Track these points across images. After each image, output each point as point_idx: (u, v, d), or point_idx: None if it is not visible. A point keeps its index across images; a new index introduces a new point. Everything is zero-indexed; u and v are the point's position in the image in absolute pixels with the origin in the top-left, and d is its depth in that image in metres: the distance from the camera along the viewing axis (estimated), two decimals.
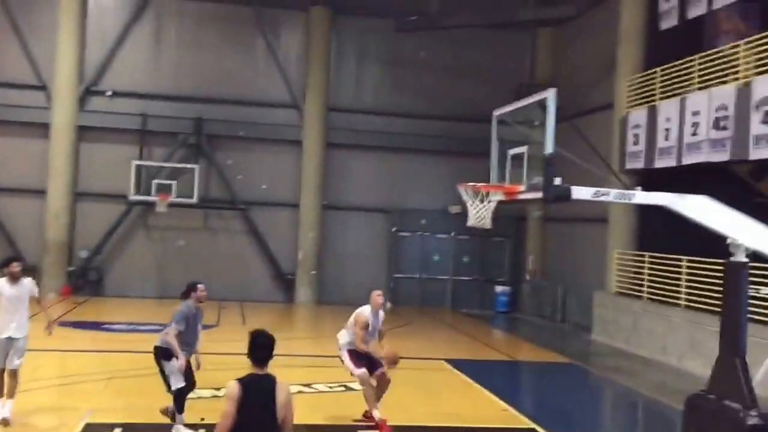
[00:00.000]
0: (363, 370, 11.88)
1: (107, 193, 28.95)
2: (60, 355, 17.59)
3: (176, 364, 10.99)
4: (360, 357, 12.02)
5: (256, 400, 6.25)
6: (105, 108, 29.26)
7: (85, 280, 29.01)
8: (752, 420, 9.06)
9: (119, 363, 16.42)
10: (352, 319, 12.35)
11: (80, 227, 29.14)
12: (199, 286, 11.59)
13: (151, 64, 29.86)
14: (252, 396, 6.26)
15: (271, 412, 6.24)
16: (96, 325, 22.08)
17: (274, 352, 6.56)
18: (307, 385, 14.74)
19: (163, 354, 11.19)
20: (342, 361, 12.26)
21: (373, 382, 12.02)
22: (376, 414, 11.92)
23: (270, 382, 6.35)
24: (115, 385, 14.58)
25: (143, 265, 29.52)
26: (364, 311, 12.34)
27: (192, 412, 12.53)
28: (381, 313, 12.56)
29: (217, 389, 14.11)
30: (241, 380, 6.37)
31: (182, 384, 11.08)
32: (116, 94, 29.33)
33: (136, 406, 12.90)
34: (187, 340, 11.26)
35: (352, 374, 12.14)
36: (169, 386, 11.24)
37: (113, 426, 11.46)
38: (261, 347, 6.43)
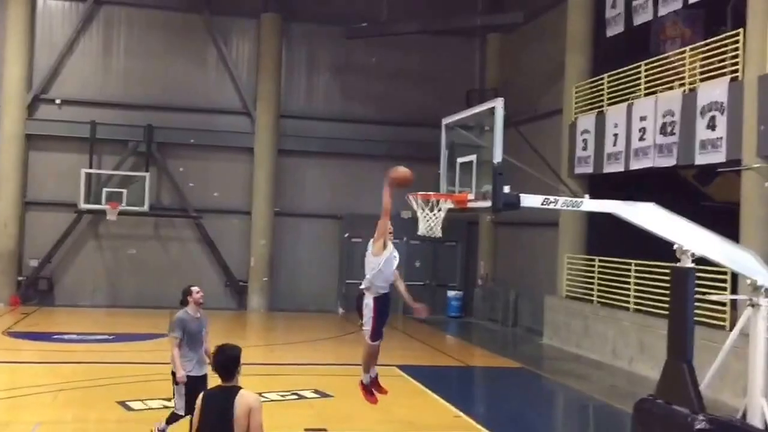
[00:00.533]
0: (378, 344, 10.73)
1: (57, 201, 28.55)
2: (8, 367, 17.40)
3: (182, 387, 10.61)
4: (382, 320, 10.68)
5: (214, 411, 6.45)
6: (54, 116, 28.88)
7: (35, 289, 28.62)
8: (699, 424, 9.19)
9: (69, 374, 16.21)
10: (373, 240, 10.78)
11: (29, 236, 28.74)
12: (193, 289, 11.05)
13: (100, 71, 29.54)
14: (210, 407, 6.49)
15: (227, 423, 6.34)
16: (46, 336, 21.77)
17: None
18: (259, 394, 14.62)
19: (174, 375, 10.79)
20: (362, 313, 10.87)
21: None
22: (366, 378, 11.17)
23: (230, 394, 6.44)
24: (65, 396, 14.39)
25: (94, 274, 29.20)
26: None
27: (142, 424, 12.47)
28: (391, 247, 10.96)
29: (168, 399, 14.03)
30: (205, 391, 6.82)
31: (181, 411, 10.65)
32: (65, 102, 28.99)
33: (85, 419, 12.78)
34: (192, 348, 10.77)
35: (362, 328, 10.84)
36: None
37: None
38: (221, 362, 6.61)
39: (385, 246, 10.60)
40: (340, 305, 29.93)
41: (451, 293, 30.22)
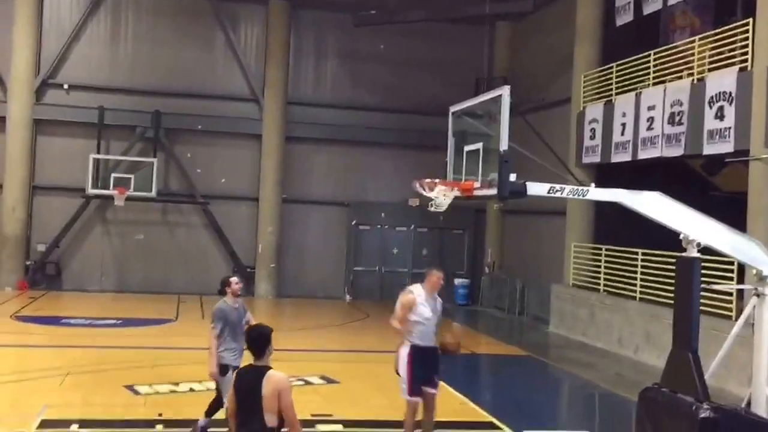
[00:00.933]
0: (417, 400, 10.21)
1: (64, 186, 28.66)
2: (16, 351, 17.50)
3: (229, 379, 9.88)
4: (419, 374, 10.20)
5: (244, 390, 6.67)
6: (62, 101, 28.95)
7: (43, 274, 28.73)
8: (704, 413, 9.18)
9: (76, 358, 16.30)
10: (398, 302, 10.48)
11: (37, 221, 28.84)
12: (231, 279, 11.01)
13: (108, 57, 29.57)
14: (241, 385, 6.72)
15: (256, 400, 6.54)
16: (53, 320, 21.82)
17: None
18: None
19: (221, 369, 10.49)
20: (397, 369, 10.40)
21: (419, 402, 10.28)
22: None
23: (260, 373, 6.62)
24: (72, 380, 14.45)
25: (102, 259, 29.31)
26: (414, 290, 10.41)
27: (149, 408, 12.55)
28: (439, 299, 10.51)
29: (175, 384, 14.14)
30: (238, 370, 7.12)
31: None
32: (73, 87, 29.02)
33: (93, 402, 12.83)
34: (234, 339, 10.49)
35: (401, 392, 10.35)
36: (219, 399, 10.47)
37: (70, 422, 11.38)
38: (251, 341, 6.84)
39: (411, 310, 10.21)
40: (347, 292, 29.99)
41: (458, 281, 30.21)
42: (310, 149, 30.57)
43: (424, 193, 10.16)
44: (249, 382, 6.64)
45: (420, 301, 10.26)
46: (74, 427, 11.21)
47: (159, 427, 11.37)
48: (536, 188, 9.57)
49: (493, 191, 9.61)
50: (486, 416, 13.15)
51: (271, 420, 6.56)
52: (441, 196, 9.86)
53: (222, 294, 10.88)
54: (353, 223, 30.65)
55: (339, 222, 30.81)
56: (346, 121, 30.44)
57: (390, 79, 30.67)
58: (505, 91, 9.54)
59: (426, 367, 10.24)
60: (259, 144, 29.97)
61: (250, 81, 30.18)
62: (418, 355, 10.14)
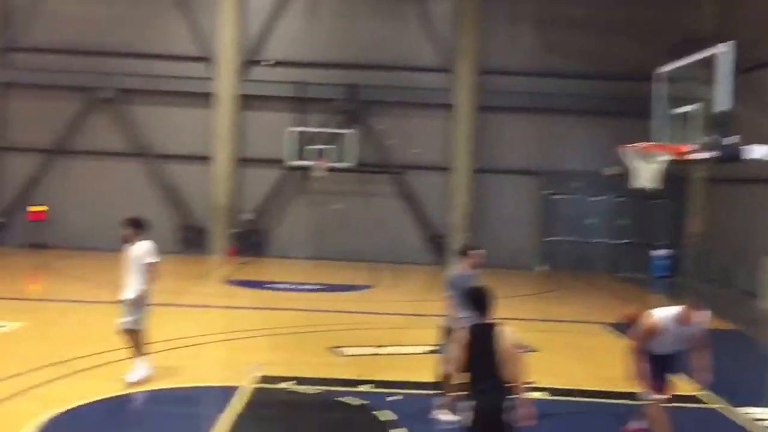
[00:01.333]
0: (661, 398, 9.30)
1: (267, 158, 29.77)
2: (226, 312, 18.36)
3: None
4: (659, 369, 9.37)
5: (479, 345, 6.99)
6: (264, 77, 30.07)
7: (249, 241, 30.03)
8: None
9: (282, 320, 17.01)
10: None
11: (243, 192, 30.13)
12: (478, 252, 10.97)
13: (307, 33, 30.39)
14: (476, 341, 7.03)
15: (491, 355, 6.89)
16: (259, 284, 22.96)
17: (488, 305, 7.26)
18: None
19: (448, 333, 10.28)
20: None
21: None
22: None
23: (491, 329, 7.04)
24: (279, 340, 15.05)
25: (302, 227, 30.26)
26: (660, 314, 9.26)
27: (352, 368, 12.85)
28: (698, 330, 9.28)
29: (378, 347, 14.43)
30: (471, 327, 7.25)
31: None
32: (276, 63, 29.99)
33: (300, 361, 13.30)
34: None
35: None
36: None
37: (284, 379, 11.83)
38: (475, 300, 7.28)
39: (652, 338, 9.29)
40: (541, 262, 29.71)
41: (658, 252, 29.32)
42: (502, 118, 30.37)
43: (629, 164, 9.91)
44: (483, 339, 6.90)
45: (666, 328, 9.18)
46: (290, 383, 11.64)
47: (365, 386, 11.61)
48: (760, 151, 9.13)
49: (712, 154, 9.25)
50: (689, 389, 12.73)
51: (506, 374, 6.85)
52: (652, 169, 9.54)
53: (461, 260, 10.79)
54: (546, 192, 30.28)
55: (532, 191, 30.50)
56: (540, 88, 30.04)
57: (585, 44, 29.94)
58: (727, 49, 9.16)
59: (665, 371, 9.44)
60: (450, 114, 30.02)
61: (442, 51, 30.19)
62: (657, 361, 9.33)
